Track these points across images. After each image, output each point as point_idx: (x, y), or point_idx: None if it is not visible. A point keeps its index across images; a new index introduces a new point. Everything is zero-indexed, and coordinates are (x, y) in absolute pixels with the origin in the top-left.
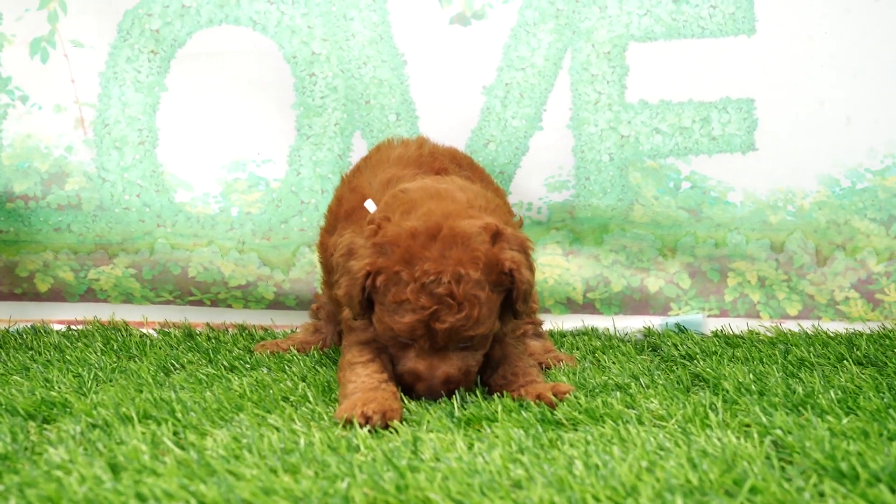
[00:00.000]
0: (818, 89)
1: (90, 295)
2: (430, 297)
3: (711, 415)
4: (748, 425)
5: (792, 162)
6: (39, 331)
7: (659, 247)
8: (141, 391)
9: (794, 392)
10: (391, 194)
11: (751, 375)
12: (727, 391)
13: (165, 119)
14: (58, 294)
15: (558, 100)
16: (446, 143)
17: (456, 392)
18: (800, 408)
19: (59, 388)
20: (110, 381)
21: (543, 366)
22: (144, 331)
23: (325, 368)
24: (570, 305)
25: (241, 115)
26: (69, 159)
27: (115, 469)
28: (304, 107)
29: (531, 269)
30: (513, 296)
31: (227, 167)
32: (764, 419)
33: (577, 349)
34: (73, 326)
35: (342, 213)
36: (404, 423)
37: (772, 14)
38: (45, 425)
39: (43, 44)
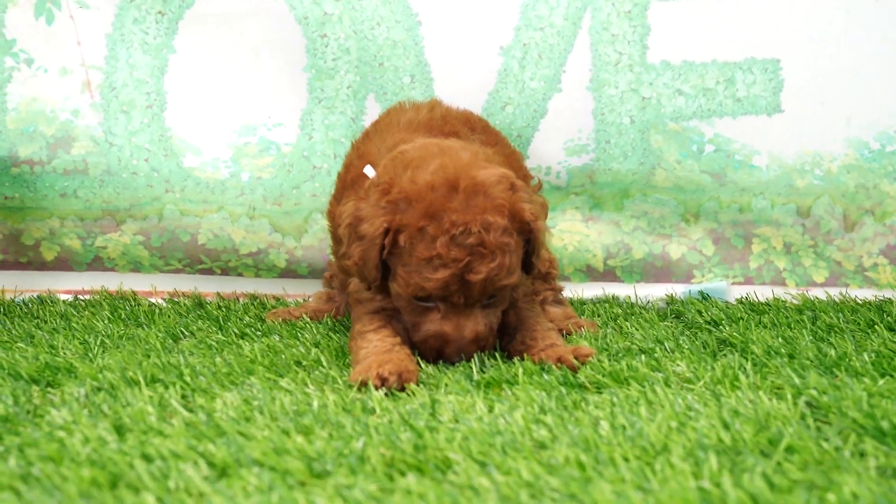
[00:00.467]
0: (847, 49)
1: (97, 263)
2: (462, 249)
3: (741, 376)
4: (780, 387)
5: (819, 124)
6: (46, 300)
7: (681, 212)
8: (149, 356)
9: (826, 355)
10: (389, 157)
11: (780, 339)
12: (756, 355)
13: (174, 82)
14: (64, 263)
15: (578, 61)
16: (462, 106)
17: (474, 355)
18: (833, 370)
19: (65, 353)
20: (117, 347)
21: (564, 332)
22: (153, 300)
23: (338, 335)
24: (590, 273)
25: (251, 77)
26: (75, 123)
27: (119, 430)
28: (316, 69)
29: (545, 220)
30: (528, 249)
31: (237, 131)
32: (797, 380)
33: (598, 317)
34: (80, 297)
35: (349, 180)
36: (421, 385)
37: None
38: (49, 389)
39: (48, 5)
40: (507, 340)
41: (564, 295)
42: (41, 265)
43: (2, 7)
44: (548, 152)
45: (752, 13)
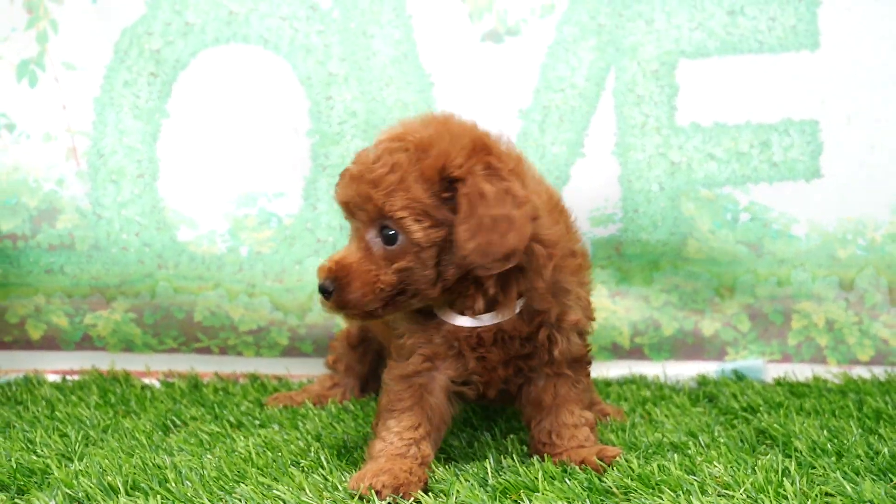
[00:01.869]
0: (889, 108)
1: (87, 342)
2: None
3: (786, 482)
4: (831, 494)
5: (862, 189)
6: (32, 382)
7: (715, 286)
8: (132, 455)
9: (879, 454)
10: None
11: (825, 433)
12: (800, 452)
13: (167, 149)
14: (52, 341)
15: (602, 124)
16: None
17: (489, 456)
18: (888, 473)
19: (42, 450)
20: (101, 441)
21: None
22: (147, 381)
23: (342, 425)
24: (616, 351)
25: (250, 143)
26: (60, 194)
27: None
28: (321, 134)
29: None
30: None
31: (235, 202)
32: (848, 488)
33: (625, 400)
34: (68, 377)
35: None
36: (430, 493)
37: (837, 27)
38: (18, 497)
39: (31, 66)
40: (536, 423)
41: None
42: (27, 344)
43: None
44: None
45: (788, 72)
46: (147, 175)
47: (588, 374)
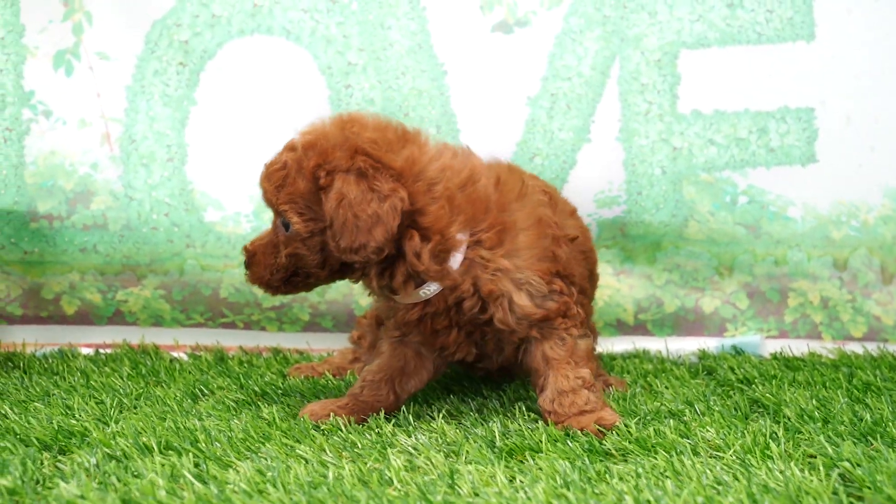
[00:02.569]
0: (881, 96)
1: (118, 317)
2: None
3: (773, 445)
4: (813, 456)
5: (855, 174)
6: (67, 354)
7: (715, 265)
8: (164, 419)
9: (862, 420)
10: None
11: (814, 401)
12: (789, 419)
13: (195, 134)
14: (85, 316)
15: (607, 111)
16: (489, 157)
17: (497, 421)
18: (868, 437)
19: (80, 415)
20: (134, 408)
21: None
22: (175, 354)
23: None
24: (621, 327)
25: (273, 129)
26: (95, 177)
27: None
28: None
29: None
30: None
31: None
32: (830, 450)
33: (628, 373)
34: (101, 350)
35: None
36: (441, 453)
37: (831, 18)
38: (61, 456)
39: (67, 56)
40: (540, 392)
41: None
42: (62, 319)
43: (20, 58)
44: (578, 204)
45: (785, 61)
46: (176, 159)
47: (576, 329)
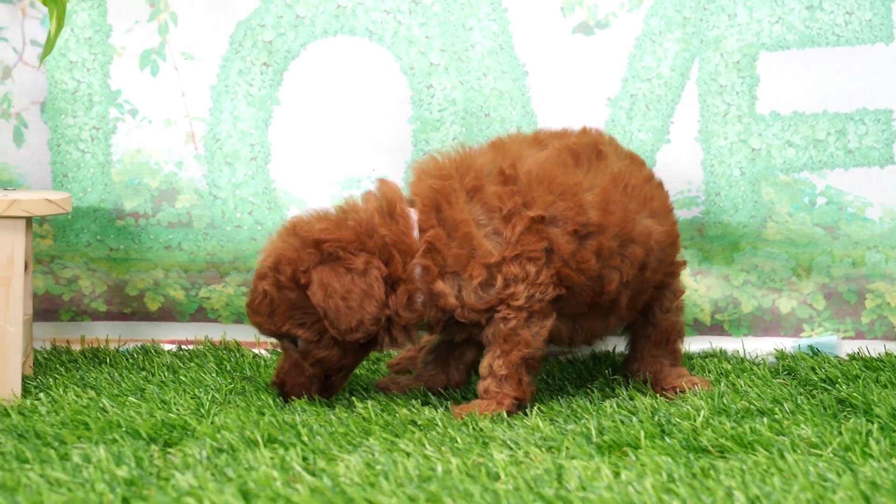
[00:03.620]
0: None
1: (201, 314)
2: None
3: (872, 443)
4: None
5: None
6: (150, 351)
7: (793, 266)
8: (263, 414)
9: None
10: None
11: None
12: (881, 418)
13: (278, 133)
14: (168, 313)
15: (686, 112)
16: None
17: (591, 418)
18: None
19: (178, 409)
20: (228, 402)
21: (678, 390)
22: (256, 351)
23: (447, 390)
24: (698, 327)
25: (355, 129)
26: (180, 175)
27: (246, 496)
28: (422, 120)
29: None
30: None
31: (340, 183)
32: None
33: (708, 372)
34: (183, 346)
35: None
36: (540, 448)
37: None
38: (168, 449)
39: (153, 56)
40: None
41: None
42: (145, 315)
43: (107, 58)
44: None
45: (864, 63)
46: (259, 158)
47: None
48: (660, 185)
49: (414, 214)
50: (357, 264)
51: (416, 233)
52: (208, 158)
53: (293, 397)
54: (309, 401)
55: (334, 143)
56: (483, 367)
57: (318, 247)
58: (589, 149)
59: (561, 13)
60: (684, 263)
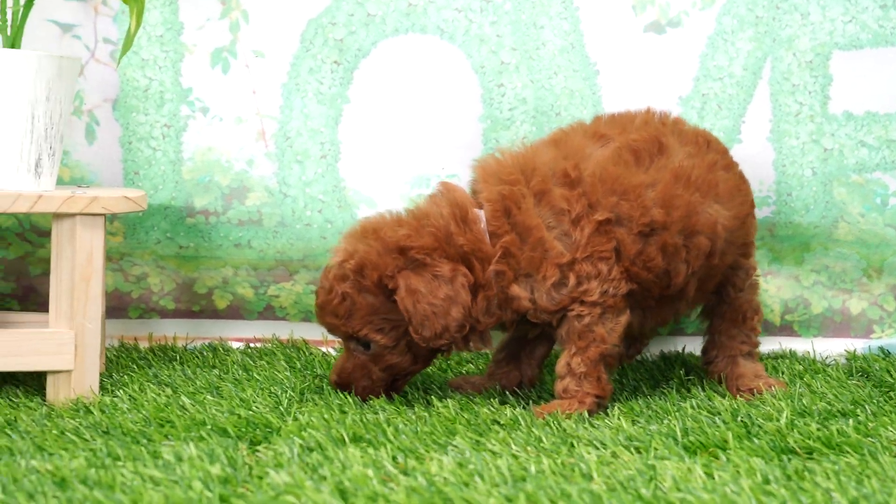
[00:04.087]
0: None
1: (269, 312)
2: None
3: None
4: None
5: None
6: (218, 349)
7: (864, 267)
8: (345, 412)
9: None
10: None
11: None
12: None
13: (348, 132)
14: (236, 311)
15: (758, 111)
16: None
17: (674, 417)
18: None
19: (257, 407)
20: (306, 400)
21: (755, 391)
22: (324, 350)
23: (521, 388)
24: (767, 328)
25: (425, 127)
26: (250, 173)
27: (343, 495)
28: (492, 119)
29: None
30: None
31: (410, 182)
32: None
33: (781, 373)
34: (251, 344)
35: None
36: (627, 449)
37: None
38: (255, 447)
39: (224, 54)
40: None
41: None
42: (213, 313)
43: (178, 56)
44: None
45: None
46: (329, 156)
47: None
48: (727, 165)
49: (482, 218)
50: (444, 271)
51: (487, 238)
52: (278, 156)
53: (364, 398)
54: (380, 396)
55: (404, 142)
56: (560, 365)
57: (403, 253)
58: (650, 144)
59: (633, 11)
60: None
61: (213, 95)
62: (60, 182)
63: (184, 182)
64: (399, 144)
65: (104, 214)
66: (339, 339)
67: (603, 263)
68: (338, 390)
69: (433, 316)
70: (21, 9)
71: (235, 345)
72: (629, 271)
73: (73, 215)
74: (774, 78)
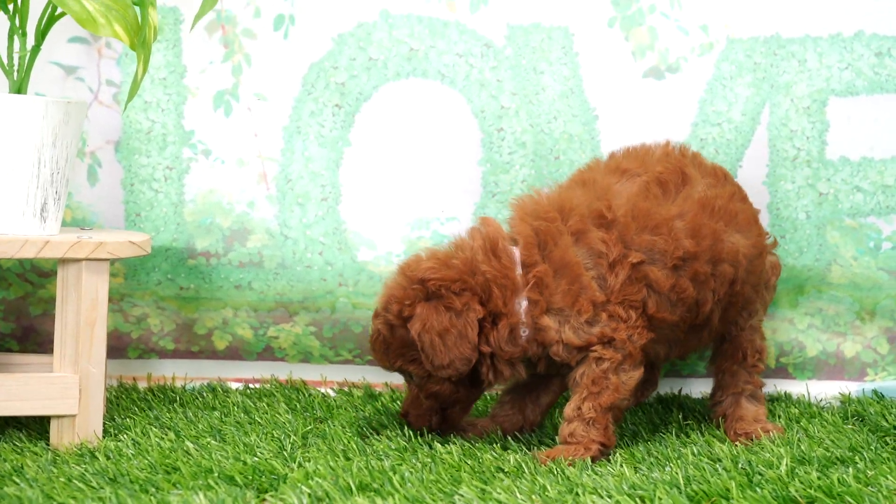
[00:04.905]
0: None
1: (268, 353)
2: None
3: None
4: None
5: None
6: (217, 389)
7: (857, 310)
8: (349, 458)
9: None
10: None
11: None
12: None
13: (349, 175)
14: (235, 352)
15: (755, 156)
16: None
17: (675, 464)
18: None
19: (261, 453)
20: (309, 445)
21: (753, 436)
22: (323, 390)
23: (521, 432)
24: (763, 370)
25: (425, 171)
26: (251, 215)
27: None
28: (491, 163)
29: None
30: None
31: (410, 225)
32: None
33: (778, 417)
34: (250, 385)
35: None
36: (631, 498)
37: None
38: (263, 495)
39: (226, 97)
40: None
41: None
42: (212, 354)
43: (181, 98)
44: None
45: None
46: (330, 199)
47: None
48: (744, 197)
49: (516, 251)
50: (456, 304)
51: (518, 269)
52: (280, 199)
53: (418, 428)
54: (434, 430)
55: (404, 185)
56: (570, 408)
57: (423, 284)
58: (675, 175)
59: (632, 57)
60: (776, 276)
61: (216, 138)
62: (63, 223)
63: (185, 224)
64: (400, 187)
65: (109, 259)
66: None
67: (632, 311)
68: (405, 421)
69: (442, 347)
70: (28, 54)
71: (234, 385)
72: (654, 319)
73: (78, 261)
74: (773, 123)
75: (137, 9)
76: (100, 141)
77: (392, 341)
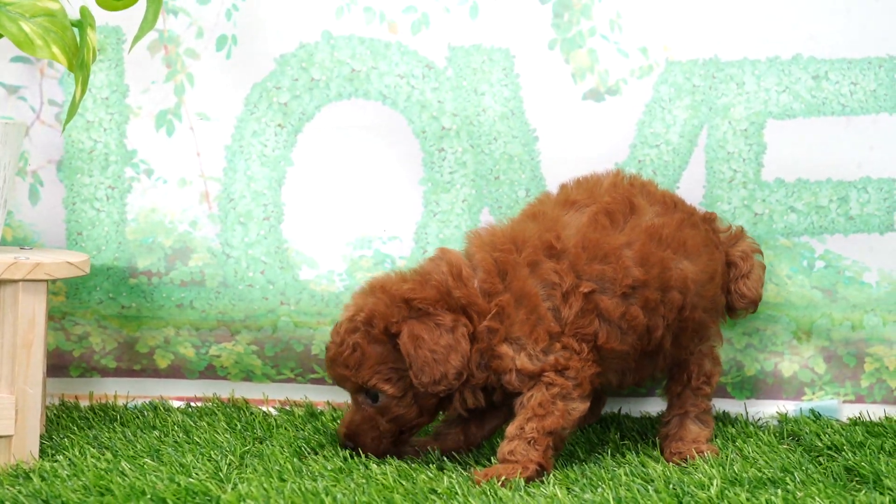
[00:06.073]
0: None
1: (210, 371)
2: None
3: None
4: None
5: None
6: (158, 407)
7: (793, 329)
8: (284, 480)
9: None
10: None
11: None
12: (892, 491)
13: (291, 194)
14: (177, 370)
15: (692, 177)
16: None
17: (606, 486)
18: None
19: (197, 474)
20: (245, 465)
21: (688, 457)
22: (264, 409)
23: (459, 454)
24: None
25: (367, 190)
26: (193, 234)
27: None
28: (433, 182)
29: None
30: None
31: (352, 244)
32: None
33: (715, 437)
34: (192, 403)
35: None
36: None
37: None
38: None
39: (169, 116)
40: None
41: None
42: (154, 372)
43: (123, 118)
44: None
45: (868, 132)
46: (272, 218)
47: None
48: (694, 223)
49: (476, 279)
50: (446, 321)
51: (480, 296)
52: (222, 218)
53: (364, 453)
54: (384, 456)
55: (346, 204)
56: (512, 428)
57: (407, 304)
58: (623, 205)
59: (572, 80)
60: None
61: (158, 157)
62: (3, 242)
63: (127, 243)
64: (342, 207)
65: (47, 280)
66: (348, 393)
67: (584, 343)
68: (346, 445)
69: (433, 362)
70: None
71: (176, 403)
72: (603, 349)
73: (15, 281)
74: (710, 145)
75: (76, 30)
76: (42, 160)
77: (369, 356)
